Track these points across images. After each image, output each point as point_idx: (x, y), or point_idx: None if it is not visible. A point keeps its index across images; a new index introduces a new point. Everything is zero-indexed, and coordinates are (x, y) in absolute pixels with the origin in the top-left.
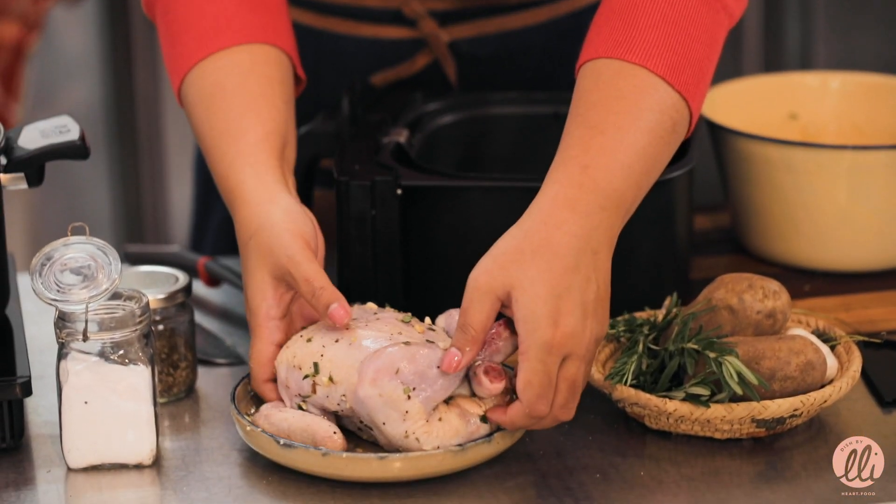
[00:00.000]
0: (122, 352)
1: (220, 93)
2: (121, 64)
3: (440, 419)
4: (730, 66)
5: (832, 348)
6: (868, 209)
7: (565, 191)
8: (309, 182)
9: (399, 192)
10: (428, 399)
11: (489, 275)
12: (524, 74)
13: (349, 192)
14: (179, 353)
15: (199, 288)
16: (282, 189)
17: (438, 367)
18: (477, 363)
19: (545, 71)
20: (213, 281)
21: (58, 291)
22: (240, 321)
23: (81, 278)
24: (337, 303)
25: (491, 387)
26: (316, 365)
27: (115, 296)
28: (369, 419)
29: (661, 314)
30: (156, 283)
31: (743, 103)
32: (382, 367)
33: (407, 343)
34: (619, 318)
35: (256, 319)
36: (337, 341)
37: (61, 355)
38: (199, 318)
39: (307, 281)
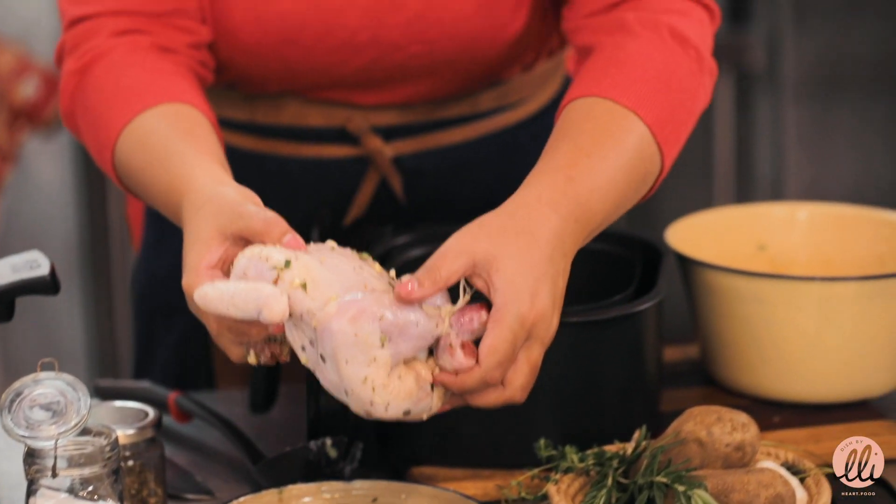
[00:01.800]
0: (91, 488)
1: (153, 134)
2: (94, 196)
3: (399, 377)
4: (702, 197)
5: (802, 480)
6: (837, 340)
7: (550, 193)
8: None
9: None
10: (397, 353)
11: (473, 237)
12: (466, 188)
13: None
14: (149, 489)
15: (170, 423)
16: (230, 179)
17: (398, 299)
18: (454, 335)
19: (486, 184)
20: (183, 416)
21: (27, 428)
22: (211, 456)
23: (51, 414)
24: (291, 234)
25: (464, 361)
26: (288, 262)
27: (85, 431)
28: (331, 352)
29: (630, 447)
30: (125, 419)
31: (712, 234)
32: (367, 308)
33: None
34: (589, 452)
35: (197, 270)
36: (308, 253)
37: (31, 492)
38: (170, 452)
39: (259, 216)
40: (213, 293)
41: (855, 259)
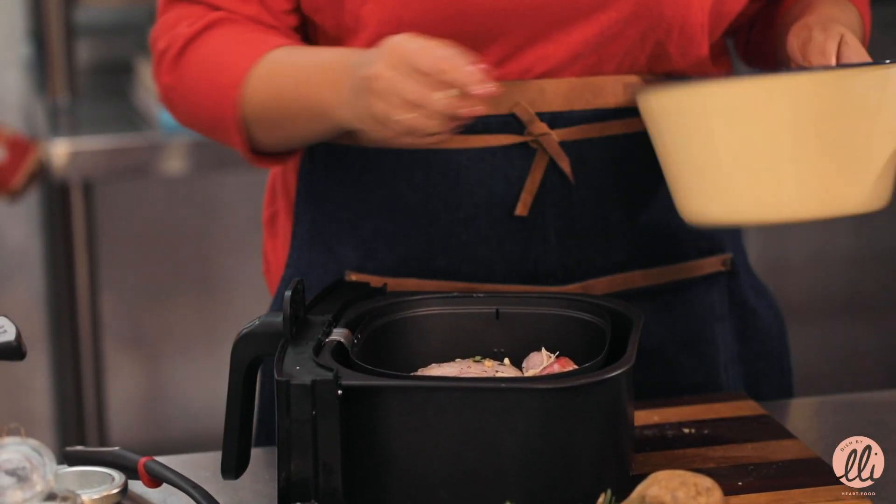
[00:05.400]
0: None
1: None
2: (61, 261)
3: None
4: None
5: None
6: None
7: None
8: (250, 383)
9: (339, 392)
10: None
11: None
12: (626, 181)
13: (289, 393)
14: None
15: (140, 488)
16: None
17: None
18: None
19: (642, 179)
20: (153, 481)
21: None
22: None
23: (16, 479)
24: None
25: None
26: None
27: (50, 497)
28: None
29: None
30: (91, 484)
31: None
32: None
33: None
34: None
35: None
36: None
37: None
38: None
39: None
40: None
41: None
